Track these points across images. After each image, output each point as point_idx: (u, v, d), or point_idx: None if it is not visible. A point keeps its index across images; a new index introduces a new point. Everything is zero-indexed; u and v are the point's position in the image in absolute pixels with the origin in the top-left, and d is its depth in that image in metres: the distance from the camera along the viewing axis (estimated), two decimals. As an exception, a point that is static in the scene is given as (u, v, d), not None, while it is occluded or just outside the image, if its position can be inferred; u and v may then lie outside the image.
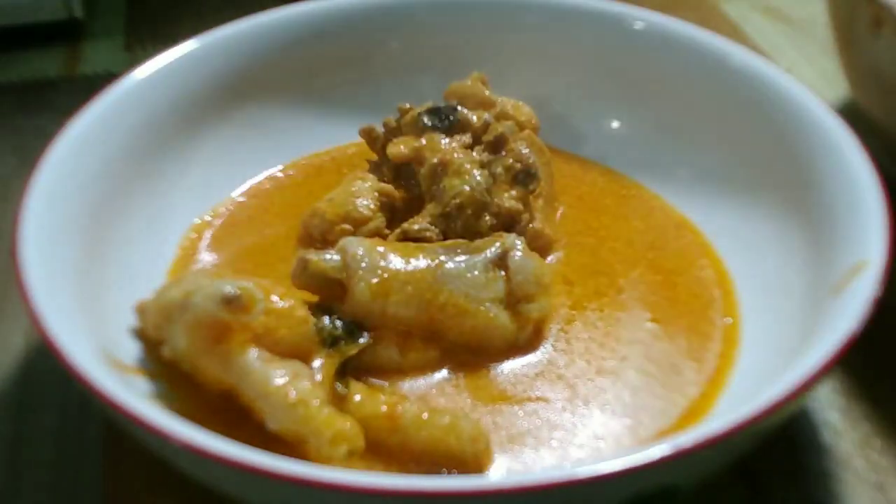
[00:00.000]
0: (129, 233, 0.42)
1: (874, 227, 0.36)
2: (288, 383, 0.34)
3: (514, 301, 0.38)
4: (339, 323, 0.37)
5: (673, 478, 0.31)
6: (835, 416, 0.39)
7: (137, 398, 0.31)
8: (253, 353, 0.34)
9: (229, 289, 0.34)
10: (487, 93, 0.47)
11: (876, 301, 0.33)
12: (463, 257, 0.39)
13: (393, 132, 0.45)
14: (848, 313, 0.33)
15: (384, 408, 0.35)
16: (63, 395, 0.40)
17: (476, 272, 0.38)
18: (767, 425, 0.31)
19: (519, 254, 0.39)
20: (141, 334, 0.38)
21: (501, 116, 0.46)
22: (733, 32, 0.63)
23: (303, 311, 0.36)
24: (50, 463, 0.37)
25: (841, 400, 0.39)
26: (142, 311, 0.37)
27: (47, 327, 0.33)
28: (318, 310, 0.37)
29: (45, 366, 0.41)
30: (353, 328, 0.37)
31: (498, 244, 0.39)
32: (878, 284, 0.34)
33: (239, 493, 0.31)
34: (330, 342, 0.36)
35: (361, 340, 0.37)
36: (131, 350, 0.38)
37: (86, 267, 0.38)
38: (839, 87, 0.55)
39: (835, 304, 0.34)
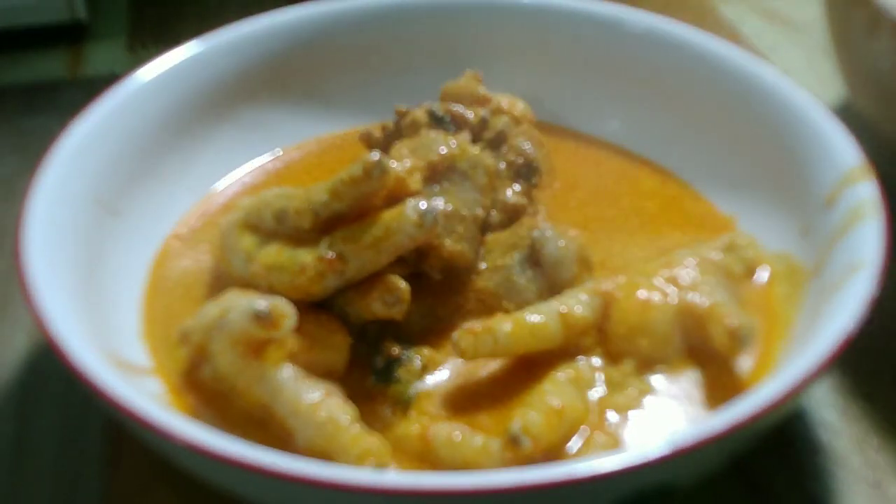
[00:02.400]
0: (132, 233, 0.43)
1: (871, 227, 0.37)
2: (319, 401, 0.34)
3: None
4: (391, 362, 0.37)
5: (670, 476, 0.31)
6: (832, 414, 0.39)
7: (140, 397, 0.31)
8: (287, 370, 0.34)
9: (260, 304, 0.34)
10: (482, 90, 0.47)
11: (873, 301, 0.33)
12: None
13: (392, 135, 0.45)
14: (845, 313, 0.33)
15: (416, 426, 0.35)
16: (65, 394, 0.40)
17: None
18: (764, 424, 0.31)
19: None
20: (182, 357, 0.37)
21: (497, 112, 0.46)
22: (731, 34, 0.63)
23: (341, 336, 0.37)
24: (51, 462, 0.38)
25: (838, 399, 0.40)
26: (185, 334, 0.37)
27: (50, 327, 0.33)
28: (367, 338, 0.38)
29: (48, 365, 0.41)
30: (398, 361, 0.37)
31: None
32: (875, 284, 0.34)
33: (241, 492, 0.32)
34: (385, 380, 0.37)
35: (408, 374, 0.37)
36: (134, 349, 0.38)
37: (89, 267, 0.39)
38: (836, 89, 0.55)
39: (832, 303, 0.35)
